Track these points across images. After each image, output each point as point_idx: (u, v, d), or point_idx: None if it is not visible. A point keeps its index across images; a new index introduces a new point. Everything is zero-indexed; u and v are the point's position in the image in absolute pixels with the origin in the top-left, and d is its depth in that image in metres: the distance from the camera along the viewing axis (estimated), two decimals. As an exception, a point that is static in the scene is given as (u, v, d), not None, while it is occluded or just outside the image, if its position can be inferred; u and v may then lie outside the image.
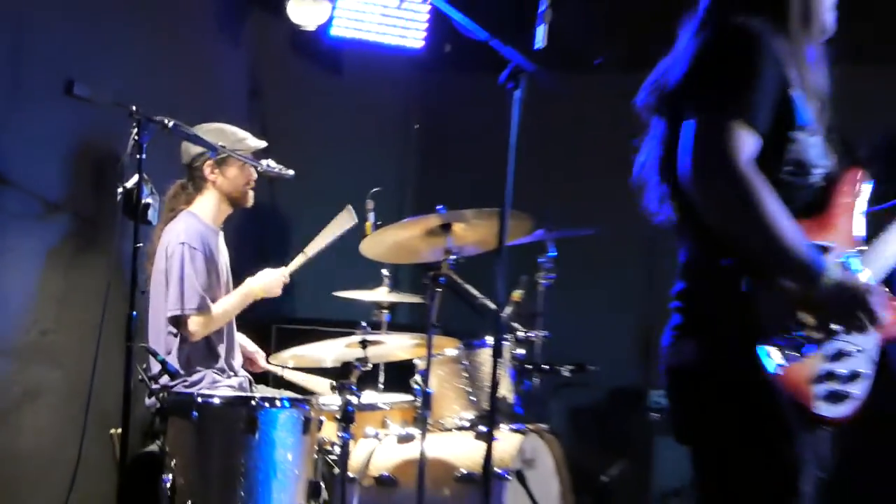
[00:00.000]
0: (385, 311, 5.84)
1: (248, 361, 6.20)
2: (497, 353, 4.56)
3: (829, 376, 3.14)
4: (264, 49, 7.30)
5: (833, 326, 3.10)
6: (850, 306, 3.07)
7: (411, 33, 7.27)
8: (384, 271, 5.79)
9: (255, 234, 6.46)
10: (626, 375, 6.72)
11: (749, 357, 3.06)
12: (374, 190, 5.89)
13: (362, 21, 7.12)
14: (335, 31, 7.04)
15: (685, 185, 3.06)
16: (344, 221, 5.93)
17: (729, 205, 3.03)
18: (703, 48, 3.20)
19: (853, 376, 3.21)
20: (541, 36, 5.28)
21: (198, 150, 5.73)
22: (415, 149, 8.76)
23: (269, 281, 5.92)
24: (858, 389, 3.20)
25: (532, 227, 5.71)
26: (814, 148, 3.23)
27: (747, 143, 3.03)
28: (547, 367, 6.12)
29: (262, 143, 5.99)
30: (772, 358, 3.04)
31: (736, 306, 3.09)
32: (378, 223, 5.79)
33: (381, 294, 5.72)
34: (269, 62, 7.33)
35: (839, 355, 3.16)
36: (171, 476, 5.10)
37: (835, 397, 3.14)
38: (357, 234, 5.79)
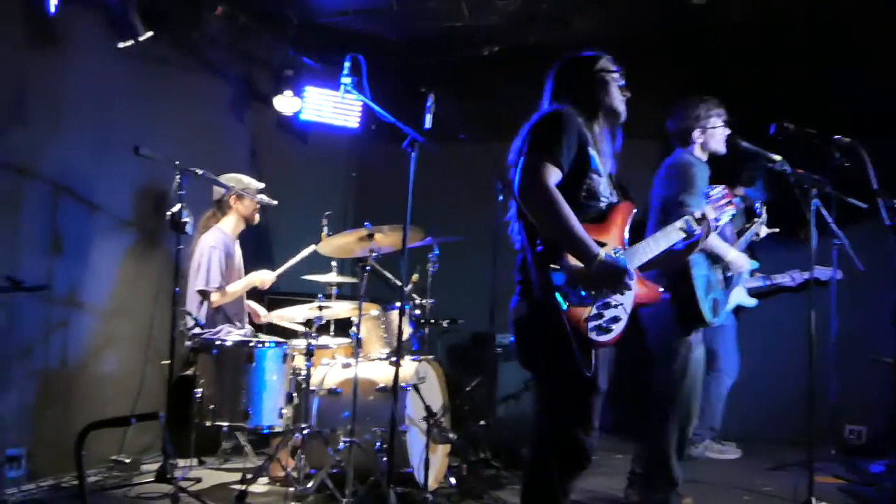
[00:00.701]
0: (334, 287, 5.74)
1: (255, 314, 6.11)
2: (402, 312, 4.55)
3: (598, 316, 3.21)
4: (259, 126, 7.21)
5: (600, 288, 3.18)
6: (610, 277, 3.15)
7: (351, 117, 7.18)
8: (333, 262, 5.70)
9: (254, 241, 6.35)
10: (481, 325, 6.69)
11: (551, 300, 3.13)
12: (327, 213, 5.79)
13: (321, 110, 7.03)
14: (304, 116, 6.95)
15: (518, 197, 3.22)
16: (306, 252, 5.89)
17: (539, 209, 3.18)
18: (537, 120, 3.40)
19: (615, 319, 3.26)
20: (428, 120, 5.27)
21: (222, 191, 5.78)
22: (353, 188, 8.69)
23: (263, 278, 5.93)
24: (617, 328, 3.28)
25: (424, 235, 5.67)
26: (601, 185, 3.35)
27: (553, 173, 3.20)
28: (433, 321, 6.08)
29: (261, 185, 5.95)
30: (563, 301, 3.13)
31: (544, 274, 3.15)
32: (329, 234, 5.72)
33: (332, 277, 5.63)
34: (263, 134, 7.25)
35: (606, 305, 3.23)
36: (200, 390, 5.07)
37: (600, 329, 3.22)
38: (316, 241, 5.74)
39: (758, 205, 5.66)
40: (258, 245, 6.89)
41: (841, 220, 5.43)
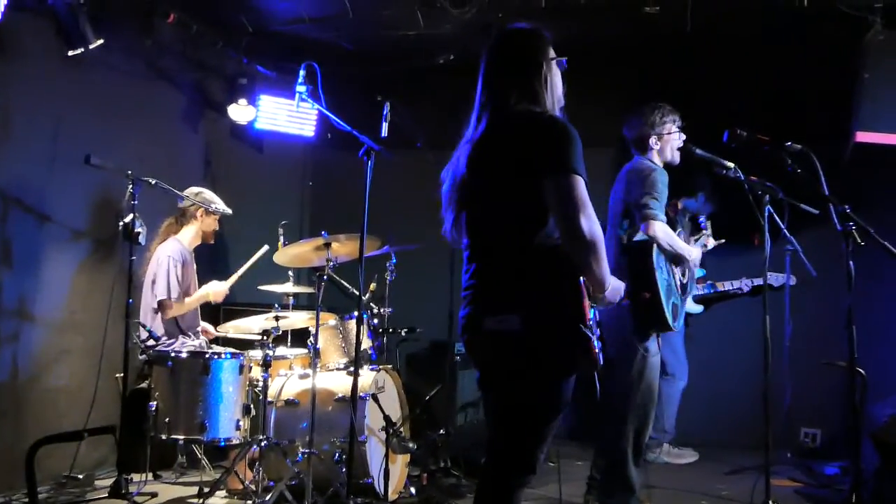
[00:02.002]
0: (291, 297, 5.70)
1: (205, 332, 6.01)
2: (360, 321, 4.51)
3: (599, 338, 3.15)
4: (213, 135, 7.13)
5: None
6: (615, 300, 3.18)
7: (306, 126, 7.13)
8: (290, 272, 5.65)
9: (209, 252, 6.29)
10: (439, 334, 6.67)
11: (577, 331, 3.04)
12: (283, 222, 5.76)
13: (276, 119, 6.97)
14: (258, 125, 6.89)
15: (574, 225, 2.98)
16: (260, 253, 5.87)
17: (590, 243, 3.01)
18: (534, 130, 3.09)
19: (599, 337, 3.21)
20: (385, 129, 5.27)
21: (188, 201, 5.75)
22: (308, 196, 8.62)
23: (217, 290, 5.87)
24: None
25: (381, 244, 5.65)
26: None
27: (585, 190, 3.01)
28: (391, 329, 6.06)
29: (228, 210, 5.93)
30: (588, 331, 3.04)
31: (573, 299, 3.07)
32: (285, 243, 5.68)
33: (288, 287, 5.58)
34: (217, 143, 7.17)
35: (598, 324, 3.18)
36: (155, 403, 4.99)
37: (601, 352, 3.14)
38: (273, 251, 5.69)
39: (702, 218, 5.72)
40: (213, 256, 6.81)
41: (793, 226, 5.49)
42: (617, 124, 5.83)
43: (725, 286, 7.12)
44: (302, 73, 4.66)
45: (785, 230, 5.52)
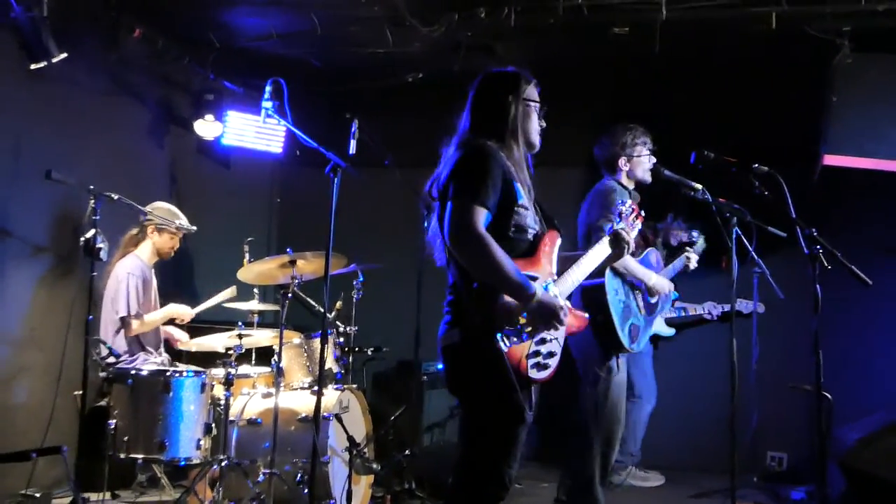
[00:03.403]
0: (256, 315, 5.65)
1: (174, 340, 5.93)
2: (324, 340, 4.47)
3: (536, 354, 3.23)
4: (178, 151, 7.07)
5: (537, 326, 3.19)
6: (547, 315, 3.18)
7: (274, 142, 7.09)
8: (255, 290, 5.61)
9: (173, 267, 6.22)
10: (406, 353, 6.63)
11: (491, 341, 3.13)
12: (249, 239, 5.71)
13: (243, 135, 6.92)
14: (225, 141, 6.83)
15: (450, 246, 3.20)
16: (230, 293, 5.79)
17: (473, 257, 3.17)
18: (459, 158, 3.33)
19: (550, 354, 3.30)
20: (353, 146, 5.26)
21: (152, 214, 5.69)
22: (276, 214, 8.58)
23: (182, 311, 5.81)
24: (553, 362, 3.35)
25: (347, 262, 5.62)
26: (527, 218, 3.36)
27: (482, 216, 3.17)
28: (357, 348, 6.02)
29: (192, 228, 5.87)
30: (503, 342, 3.14)
31: (483, 311, 3.17)
32: (251, 260, 5.64)
33: (254, 304, 5.54)
34: (182, 159, 7.11)
35: (542, 341, 3.25)
36: (114, 421, 4.91)
37: (539, 366, 3.26)
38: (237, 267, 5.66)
39: (695, 233, 5.69)
40: (177, 271, 6.76)
41: (761, 249, 5.52)
42: (585, 144, 5.85)
43: (698, 310, 7.13)
44: (268, 88, 4.63)
45: (753, 253, 5.57)
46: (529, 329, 3.21)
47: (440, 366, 7.32)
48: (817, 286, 3.79)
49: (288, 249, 5.17)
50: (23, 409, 5.56)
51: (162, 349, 5.83)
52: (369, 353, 6.18)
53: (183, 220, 5.79)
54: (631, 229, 3.78)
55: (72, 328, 5.37)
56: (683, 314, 7.12)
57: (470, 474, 3.33)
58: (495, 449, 3.28)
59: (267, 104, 4.64)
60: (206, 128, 6.67)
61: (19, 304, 5.59)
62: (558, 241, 3.50)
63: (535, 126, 3.55)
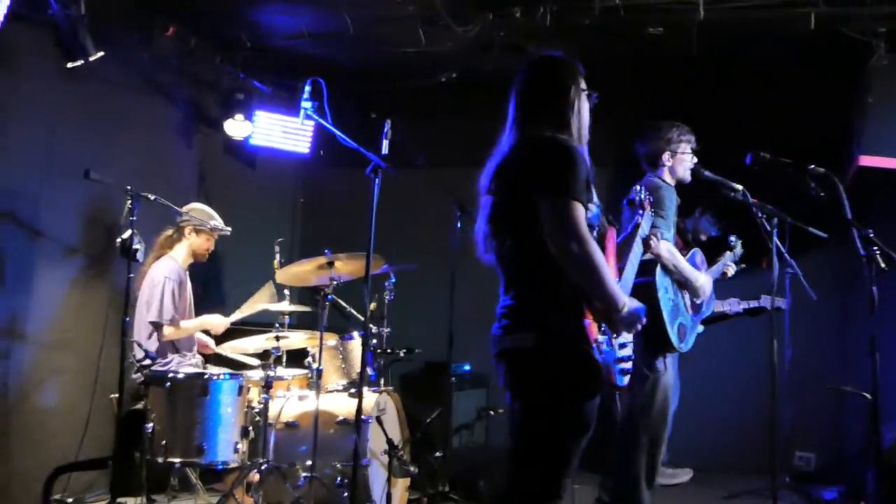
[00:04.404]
0: (287, 316, 5.55)
1: (204, 346, 5.83)
2: (366, 342, 4.41)
3: (620, 360, 3.15)
4: (207, 151, 6.98)
5: (621, 332, 3.12)
6: (633, 323, 3.08)
7: (301, 143, 7.01)
8: (286, 291, 5.53)
9: (202, 267, 6.09)
10: (432, 354, 6.57)
11: (585, 349, 3.05)
12: (279, 240, 5.63)
13: (271, 135, 6.85)
14: (253, 141, 6.76)
15: (554, 247, 2.99)
16: (267, 297, 5.57)
17: (581, 260, 2.99)
18: (544, 152, 3.13)
19: (629, 359, 3.22)
20: (385, 146, 5.17)
21: (186, 215, 5.58)
22: (300, 214, 8.50)
23: (217, 322, 5.69)
24: (630, 366, 3.24)
25: (382, 263, 5.54)
26: (596, 215, 3.20)
27: (583, 214, 3.00)
28: (389, 350, 5.93)
29: (227, 229, 5.74)
30: (598, 350, 3.06)
31: (573, 317, 3.08)
32: (282, 261, 5.58)
33: (285, 306, 5.45)
34: (210, 159, 7.02)
35: (622, 346, 3.17)
36: (151, 425, 4.80)
37: (623, 373, 3.17)
38: (269, 268, 5.59)
39: (732, 238, 5.59)
40: (205, 274, 6.67)
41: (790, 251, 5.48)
42: (615, 144, 5.77)
43: (722, 306, 7.03)
44: (307, 88, 4.55)
45: (786, 254, 5.51)
46: (615, 336, 3.15)
47: (467, 367, 7.30)
48: (873, 288, 3.69)
49: (325, 251, 5.10)
50: (55, 412, 5.48)
51: (195, 350, 5.74)
52: (401, 354, 6.08)
53: (219, 222, 5.70)
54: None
55: (107, 330, 5.29)
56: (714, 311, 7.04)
57: (528, 482, 3.17)
58: (558, 457, 3.14)
59: (306, 104, 4.56)
60: (235, 127, 6.59)
61: (52, 306, 5.50)
62: (615, 239, 3.44)
63: (588, 118, 3.37)
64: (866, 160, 5.77)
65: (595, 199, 3.26)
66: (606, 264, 3.06)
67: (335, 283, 5.10)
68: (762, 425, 7.23)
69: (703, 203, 6.55)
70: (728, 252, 5.52)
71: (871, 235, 3.69)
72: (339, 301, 5.65)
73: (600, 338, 3.09)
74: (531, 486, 3.19)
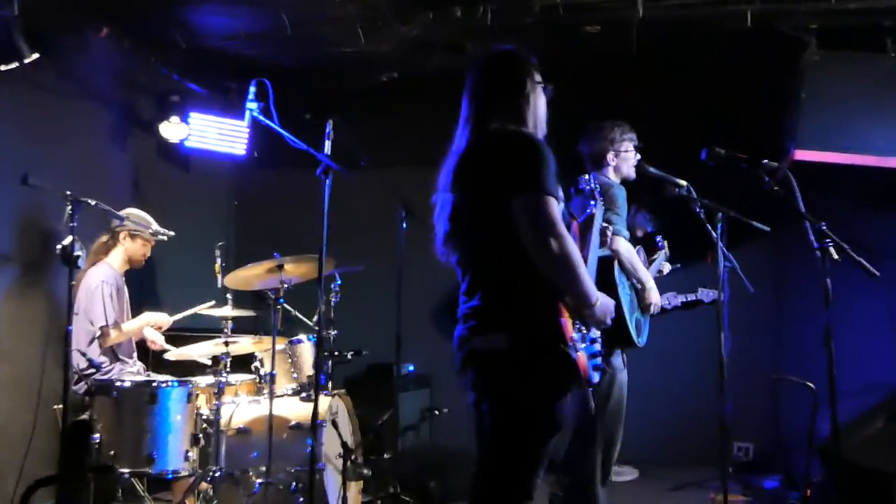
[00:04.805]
0: (230, 321, 5.46)
1: (150, 342, 5.65)
2: (321, 343, 4.38)
3: (593, 356, 3.15)
4: (140, 155, 6.81)
5: (592, 328, 3.12)
6: (606, 317, 3.12)
7: (237, 144, 6.88)
8: (228, 295, 5.43)
9: (137, 273, 5.92)
10: (380, 356, 6.55)
11: (562, 348, 3.02)
12: (220, 243, 5.54)
13: (206, 137, 6.71)
14: (188, 143, 6.62)
15: (532, 244, 2.95)
16: (206, 305, 5.49)
17: (559, 257, 2.97)
18: (511, 148, 3.09)
19: (600, 355, 3.22)
20: (328, 147, 5.11)
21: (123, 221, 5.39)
22: (233, 217, 8.38)
23: (159, 319, 5.55)
24: (600, 362, 3.23)
25: (333, 265, 5.50)
26: (563, 209, 3.19)
27: (558, 210, 2.97)
28: (337, 353, 5.87)
29: (169, 233, 5.60)
30: (573, 348, 3.01)
31: (547, 315, 3.06)
32: (223, 264, 5.49)
33: (227, 311, 5.36)
34: (144, 163, 6.86)
35: (593, 342, 3.16)
36: (98, 435, 4.68)
37: (596, 369, 3.17)
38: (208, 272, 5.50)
39: (658, 238, 5.67)
40: (141, 278, 6.51)
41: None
42: (557, 143, 5.80)
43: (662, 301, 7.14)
44: (253, 89, 4.48)
45: (723, 247, 5.61)
46: (586, 332, 3.15)
47: (410, 367, 7.28)
48: (827, 280, 3.78)
49: (275, 254, 5.03)
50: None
51: (135, 357, 5.61)
52: (349, 356, 6.03)
53: (157, 227, 5.58)
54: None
55: (47, 340, 5.13)
56: None
57: (500, 483, 3.13)
58: (530, 457, 3.11)
59: (252, 105, 4.48)
60: (171, 130, 6.46)
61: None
62: (576, 231, 3.45)
63: (545, 111, 3.36)
64: (801, 154, 5.91)
65: (560, 192, 3.26)
66: (581, 261, 3.05)
67: (286, 286, 5.03)
68: (703, 417, 7.39)
69: (638, 199, 6.64)
70: (660, 252, 5.58)
71: (824, 228, 3.78)
72: (285, 306, 5.60)
73: (575, 335, 3.09)
74: (504, 487, 3.14)
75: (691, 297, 6.82)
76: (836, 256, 3.74)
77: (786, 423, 7.41)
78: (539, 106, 3.31)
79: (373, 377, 7.02)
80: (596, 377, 3.20)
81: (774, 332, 7.51)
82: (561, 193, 3.19)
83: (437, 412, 6.87)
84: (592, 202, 3.77)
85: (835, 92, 5.86)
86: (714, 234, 4.93)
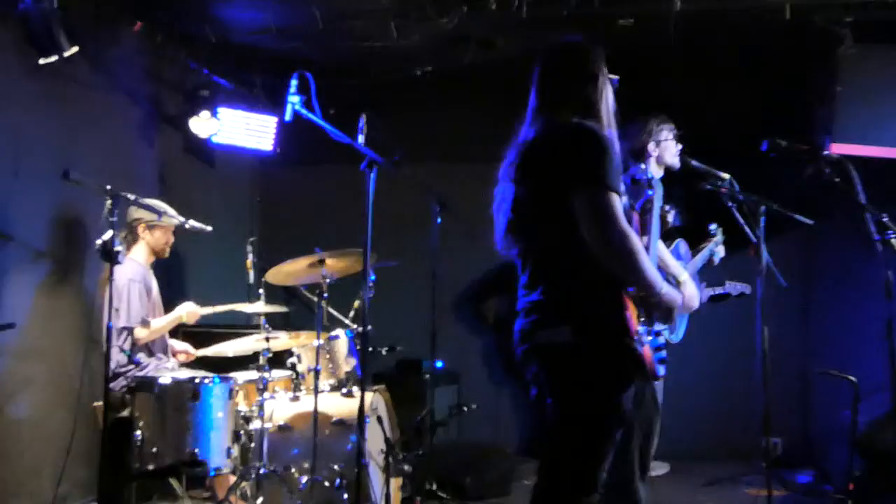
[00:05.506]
0: (262, 317, 5.41)
1: (184, 354, 5.60)
2: (365, 338, 4.28)
3: (658, 349, 3.13)
4: (167, 150, 6.75)
5: (657, 321, 3.10)
6: (670, 310, 3.06)
7: (264, 139, 6.84)
8: (261, 291, 5.38)
9: (165, 268, 5.90)
10: (409, 352, 6.52)
11: (628, 341, 2.99)
12: (251, 239, 5.51)
13: (234, 132, 6.67)
14: (217, 139, 6.55)
15: (595, 240, 2.93)
16: (241, 306, 5.39)
17: (623, 254, 2.95)
18: (575, 141, 3.05)
19: (664, 348, 3.21)
20: (361, 141, 5.07)
21: (138, 214, 5.34)
22: (258, 213, 8.32)
23: (191, 311, 5.41)
24: (665, 354, 3.22)
25: (375, 260, 5.44)
26: (626, 202, 3.17)
27: (620, 205, 2.93)
28: (371, 349, 5.82)
29: (181, 218, 5.44)
30: (639, 342, 2.98)
31: (613, 309, 3.04)
32: (255, 260, 5.45)
33: (259, 306, 5.31)
34: (170, 158, 6.79)
35: (658, 334, 3.14)
36: (139, 432, 4.61)
37: (661, 362, 3.15)
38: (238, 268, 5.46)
39: (713, 225, 5.61)
40: (167, 273, 6.46)
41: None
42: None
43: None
44: (294, 83, 4.41)
45: (758, 240, 5.58)
46: (651, 326, 3.12)
47: (439, 363, 7.22)
48: (889, 272, 3.74)
49: (316, 249, 4.99)
50: (28, 423, 5.23)
51: (170, 353, 5.56)
52: (383, 352, 5.98)
53: (170, 211, 5.49)
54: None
55: (82, 337, 5.09)
56: None
57: (566, 478, 3.13)
58: (596, 451, 3.10)
59: (294, 99, 4.41)
60: (201, 125, 6.38)
61: (21, 313, 5.23)
62: (637, 223, 3.42)
63: (614, 104, 3.31)
64: (837, 148, 5.87)
65: (623, 187, 3.23)
66: (645, 252, 3.03)
67: (328, 280, 4.98)
68: (732, 412, 7.40)
69: (666, 194, 6.60)
70: (712, 239, 5.51)
71: (886, 220, 3.74)
72: (308, 296, 5.57)
73: (640, 329, 3.06)
74: (570, 482, 3.14)
75: (719, 290, 6.79)
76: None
77: (814, 417, 7.39)
78: (610, 99, 3.28)
79: (402, 373, 6.97)
80: (661, 370, 3.20)
81: (801, 326, 7.48)
82: (623, 188, 3.17)
83: (465, 408, 6.82)
84: (650, 191, 3.75)
85: (870, 85, 5.85)
86: (757, 226, 4.93)
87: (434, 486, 5.67)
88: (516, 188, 3.18)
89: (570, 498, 3.14)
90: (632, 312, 3.04)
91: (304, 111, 4.46)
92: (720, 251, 5.49)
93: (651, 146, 4.94)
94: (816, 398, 7.37)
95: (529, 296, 3.14)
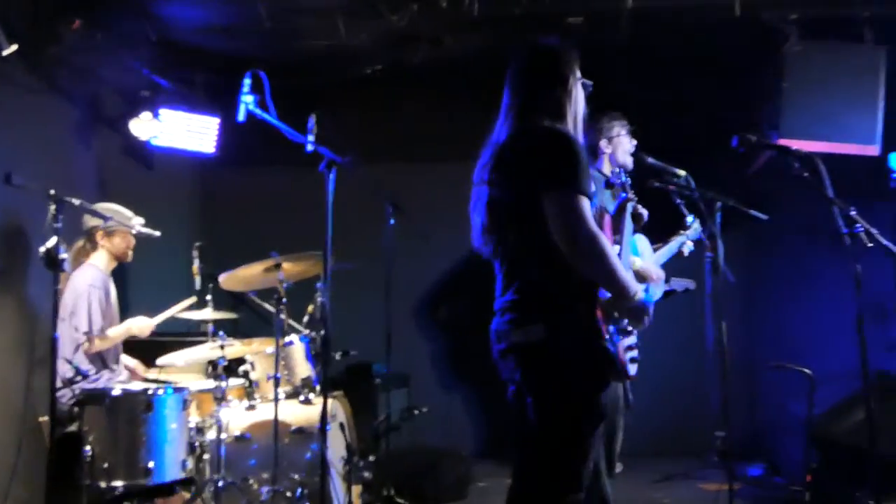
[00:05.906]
0: (210, 324, 5.26)
1: (132, 373, 5.41)
2: (327, 343, 4.17)
3: (629, 348, 3.10)
4: (105, 152, 6.48)
5: (630, 322, 3.08)
6: (642, 312, 3.08)
7: (206, 141, 6.62)
8: (207, 297, 5.22)
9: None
10: (367, 357, 6.42)
11: (601, 340, 2.97)
12: (197, 244, 5.35)
13: (174, 133, 6.44)
14: (157, 141, 6.32)
15: (563, 243, 2.92)
16: (188, 303, 5.30)
17: (591, 256, 2.95)
18: (544, 144, 3.06)
19: (636, 347, 3.19)
20: (311, 141, 4.95)
21: (95, 221, 5.16)
22: (201, 216, 8.11)
23: (142, 325, 5.28)
24: (637, 354, 3.20)
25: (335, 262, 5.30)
26: (594, 203, 3.15)
27: (588, 208, 2.95)
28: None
29: (140, 220, 5.35)
30: (611, 341, 2.97)
31: (585, 308, 3.03)
32: (201, 266, 5.29)
33: (207, 313, 5.15)
34: (109, 161, 6.52)
35: (630, 333, 3.15)
36: (89, 448, 4.41)
37: (632, 362, 3.13)
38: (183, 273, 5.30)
39: (691, 217, 5.56)
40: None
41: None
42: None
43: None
44: (247, 81, 4.27)
45: (705, 239, 5.59)
46: (623, 325, 3.10)
47: (383, 368, 7.09)
48: (858, 266, 3.75)
49: (272, 253, 4.84)
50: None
51: (121, 364, 5.35)
52: (337, 357, 5.84)
53: (131, 217, 5.31)
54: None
55: (27, 349, 4.85)
56: None
57: (549, 476, 3.09)
58: (577, 448, 3.08)
59: (247, 98, 4.27)
60: (141, 127, 6.15)
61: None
62: (609, 224, 3.41)
63: (584, 107, 3.32)
64: (784, 143, 5.92)
65: (592, 189, 3.20)
66: (615, 255, 3.02)
67: (285, 285, 4.84)
68: (681, 408, 7.44)
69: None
70: (683, 232, 5.44)
71: (854, 214, 3.75)
72: (260, 303, 5.42)
73: (611, 328, 3.05)
74: (556, 481, 3.11)
75: (666, 287, 6.83)
76: (868, 243, 3.70)
77: (761, 410, 7.46)
78: (579, 102, 3.29)
79: (350, 378, 6.83)
80: (633, 369, 3.19)
81: (744, 320, 7.54)
82: (593, 189, 3.14)
83: (416, 411, 6.72)
84: (623, 193, 3.74)
85: (815, 81, 5.90)
86: (713, 222, 4.95)
87: (392, 492, 5.55)
88: (489, 189, 3.17)
89: (556, 497, 3.12)
90: (602, 312, 3.03)
91: (258, 111, 4.33)
92: (689, 246, 5.45)
93: (603, 143, 4.91)
94: (762, 392, 7.44)
95: (504, 295, 3.15)
